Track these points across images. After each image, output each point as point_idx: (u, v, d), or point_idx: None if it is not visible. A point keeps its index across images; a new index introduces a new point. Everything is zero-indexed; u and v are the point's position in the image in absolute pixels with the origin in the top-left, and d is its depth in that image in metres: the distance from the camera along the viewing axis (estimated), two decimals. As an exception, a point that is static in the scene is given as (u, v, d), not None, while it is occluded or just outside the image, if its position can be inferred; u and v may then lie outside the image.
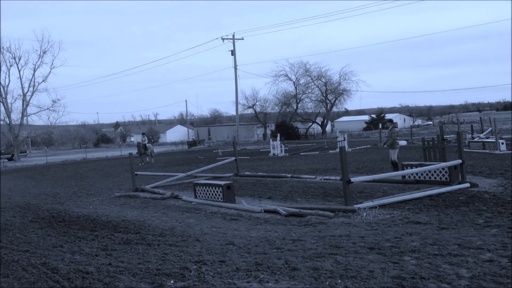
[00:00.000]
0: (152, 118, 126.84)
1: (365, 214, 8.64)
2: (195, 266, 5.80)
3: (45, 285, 5.50)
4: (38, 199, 14.86)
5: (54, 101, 50.31)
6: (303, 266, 5.50)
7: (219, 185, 11.29)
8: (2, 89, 48.80)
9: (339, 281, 4.89)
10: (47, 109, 50.36)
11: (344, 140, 29.66)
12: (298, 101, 62.82)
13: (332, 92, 62.39)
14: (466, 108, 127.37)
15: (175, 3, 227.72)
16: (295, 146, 40.37)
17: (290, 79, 62.77)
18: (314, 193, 11.80)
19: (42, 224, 9.97)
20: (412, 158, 19.03)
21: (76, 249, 7.32)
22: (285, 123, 59.74)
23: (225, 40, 58.58)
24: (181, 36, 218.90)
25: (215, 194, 11.31)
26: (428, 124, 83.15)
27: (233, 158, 18.06)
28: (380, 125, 46.83)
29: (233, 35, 58.61)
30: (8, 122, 49.46)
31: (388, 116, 74.78)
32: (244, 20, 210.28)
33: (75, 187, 17.91)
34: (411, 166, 12.39)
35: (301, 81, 62.83)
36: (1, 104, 49.07)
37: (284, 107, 63.45)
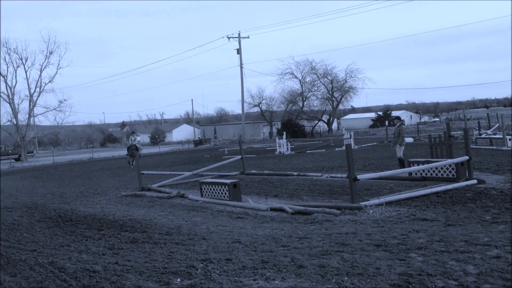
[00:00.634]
0: (158, 117, 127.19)
1: (371, 211, 8.61)
2: (201, 265, 5.81)
3: (52, 284, 5.52)
4: (45, 198, 14.94)
5: (60, 102, 50.56)
6: (309, 263, 5.49)
7: (225, 184, 11.30)
8: (9, 90, 49.09)
9: (346, 278, 4.88)
10: (54, 109, 50.59)
11: (350, 138, 29.62)
12: (304, 99, 62.75)
13: (338, 90, 62.26)
14: (473, 104, 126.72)
15: (180, 3, 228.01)
16: (301, 144, 40.32)
17: (296, 77, 62.77)
18: (321, 191, 11.78)
19: (49, 224, 10.03)
20: (418, 155, 18.96)
21: (83, 248, 7.35)
22: (291, 121, 59.70)
23: (230, 39, 58.63)
24: (186, 36, 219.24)
25: (221, 193, 11.33)
26: (434, 121, 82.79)
27: (239, 157, 18.06)
28: (387, 122, 46.62)
29: (239, 34, 58.63)
30: (15, 122, 49.74)
31: (395, 113, 74.52)
32: (250, 19, 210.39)
33: (81, 187, 17.99)
34: (418, 163, 12.34)
35: (307, 79, 62.81)
36: (8, 104, 49.37)
37: (290, 105, 63.40)
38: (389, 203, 9.22)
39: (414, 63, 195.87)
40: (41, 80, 49.90)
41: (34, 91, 50.00)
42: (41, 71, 49.76)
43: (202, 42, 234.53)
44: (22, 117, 50.44)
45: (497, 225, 6.87)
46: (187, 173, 16.74)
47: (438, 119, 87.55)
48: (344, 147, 28.27)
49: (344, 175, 13.33)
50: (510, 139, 20.28)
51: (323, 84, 62.43)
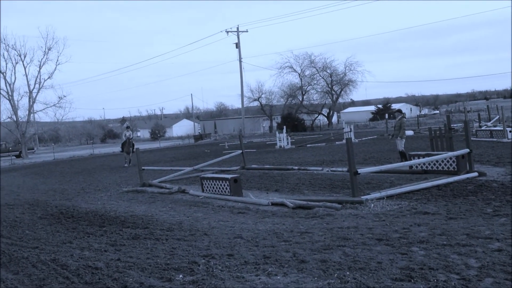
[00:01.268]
0: (158, 112, 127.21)
1: (372, 205, 8.62)
2: (203, 260, 5.82)
3: (55, 281, 5.54)
4: (47, 195, 14.95)
5: (60, 98, 50.47)
6: (311, 258, 5.50)
7: (226, 179, 11.30)
8: (8, 87, 49.03)
9: (348, 273, 4.88)
10: (54, 105, 50.52)
11: (350, 131, 29.60)
12: (303, 92, 62.71)
13: (337, 83, 62.21)
14: (473, 96, 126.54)
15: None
16: (301, 138, 40.31)
17: (295, 71, 62.69)
18: (321, 185, 11.79)
19: (51, 221, 10.04)
20: (419, 148, 18.96)
21: (85, 245, 7.37)
22: (291, 115, 59.67)
23: (229, 33, 58.48)
24: (185, 30, 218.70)
25: (222, 188, 11.33)
26: (434, 113, 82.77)
27: (240, 151, 18.06)
28: (387, 115, 46.57)
29: (237, 28, 58.48)
30: (15, 119, 49.72)
31: (394, 106, 74.42)
32: (248, 13, 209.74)
33: (83, 183, 18.01)
34: (418, 156, 12.33)
35: (306, 73, 62.74)
36: (8, 101, 49.33)
37: (289, 99, 63.35)
38: (390, 197, 9.23)
39: (413, 56, 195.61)
40: (40, 76, 49.86)
41: (34, 88, 49.97)
42: (40, 68, 49.70)
43: (201, 37, 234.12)
44: (22, 113, 50.44)
45: (499, 218, 6.88)
46: (188, 169, 16.73)
47: (438, 112, 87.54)
48: (344, 141, 28.26)
49: (345, 169, 13.32)
50: (510, 131, 20.26)
51: (323, 78, 62.40)
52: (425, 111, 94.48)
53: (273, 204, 9.69)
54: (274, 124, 65.38)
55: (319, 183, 12.18)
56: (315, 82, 62.98)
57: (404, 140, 14.67)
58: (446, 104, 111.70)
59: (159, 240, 7.27)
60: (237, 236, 7.06)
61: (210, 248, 6.42)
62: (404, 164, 12.29)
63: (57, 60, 49.59)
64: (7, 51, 48.46)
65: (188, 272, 5.42)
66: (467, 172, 10.98)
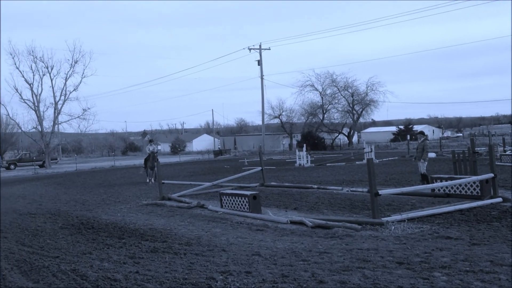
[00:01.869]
0: (179, 127, 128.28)
1: (393, 227, 8.50)
2: (221, 277, 5.80)
3: (74, 291, 5.58)
4: (68, 205, 15.14)
5: (84, 110, 51.48)
6: (330, 279, 5.44)
7: (245, 195, 11.30)
8: (35, 98, 50.17)
9: (367, 295, 4.81)
10: (78, 117, 51.54)
11: (371, 152, 29.38)
12: (324, 111, 62.60)
13: (359, 103, 61.97)
14: (497, 120, 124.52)
15: (202, 14, 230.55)
16: (321, 156, 40.14)
17: (317, 89, 62.69)
18: (341, 205, 11.69)
19: (72, 231, 10.15)
20: (441, 170, 18.69)
21: (105, 256, 7.42)
22: (311, 134, 59.56)
23: (251, 50, 58.91)
24: (208, 46, 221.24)
25: (241, 204, 11.33)
26: (457, 136, 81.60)
27: (259, 168, 18.06)
28: (408, 137, 46.10)
29: (260, 45, 58.90)
30: (40, 129, 50.73)
31: (416, 127, 73.70)
32: (271, 30, 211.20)
33: (103, 195, 18.20)
34: (441, 179, 12.16)
35: (328, 92, 62.69)
36: (34, 112, 50.42)
37: (310, 117, 63.28)
38: (411, 220, 9.09)
39: (436, 77, 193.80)
40: (66, 88, 50.99)
41: (59, 99, 51.07)
42: (66, 80, 50.87)
43: (223, 53, 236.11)
44: (47, 124, 51.52)
45: (524, 245, 6.71)
46: (207, 184, 16.79)
47: (461, 134, 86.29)
48: (364, 161, 28.04)
49: (365, 189, 13.21)
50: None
51: (344, 97, 62.25)
52: (447, 133, 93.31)
53: (292, 222, 9.63)
54: (294, 142, 65.27)
55: (338, 202, 12.08)
56: (336, 101, 62.90)
57: (426, 162, 14.49)
58: (469, 127, 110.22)
59: (177, 254, 7.28)
60: (255, 253, 7.03)
61: (228, 265, 6.40)
62: (426, 187, 12.12)
63: (83, 73, 50.73)
64: (35, 63, 49.80)
65: (206, 287, 5.41)
66: (491, 197, 10.77)
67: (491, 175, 11.03)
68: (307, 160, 30.31)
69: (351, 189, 14.60)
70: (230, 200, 11.81)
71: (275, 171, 26.13)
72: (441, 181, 11.97)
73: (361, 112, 62.79)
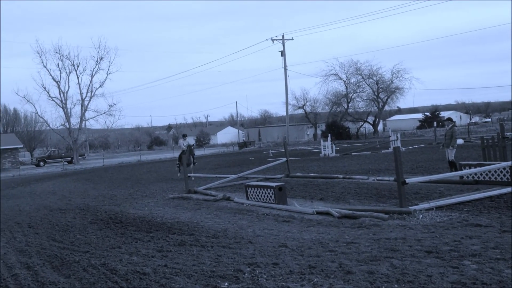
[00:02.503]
0: (203, 120, 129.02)
1: (421, 216, 8.38)
2: (248, 269, 5.83)
3: (104, 285, 5.69)
4: (97, 200, 15.42)
5: (110, 106, 52.39)
6: (357, 269, 5.40)
7: (270, 187, 11.30)
8: (62, 95, 51.16)
9: (396, 286, 4.77)
10: (104, 113, 52.44)
11: (397, 140, 29.00)
12: (349, 100, 62.06)
13: (384, 91, 61.20)
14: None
15: (224, 6, 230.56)
16: (346, 146, 39.85)
17: (341, 78, 62.17)
18: (367, 194, 11.59)
19: (101, 225, 10.34)
20: (470, 157, 18.33)
21: (133, 250, 7.53)
22: (335, 123, 59.13)
23: (274, 41, 58.67)
24: (231, 38, 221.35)
25: (267, 196, 11.34)
26: (486, 122, 79.87)
27: (284, 159, 18.03)
28: (435, 124, 45.35)
29: (283, 36, 58.60)
30: (67, 126, 51.73)
31: (443, 113, 72.44)
32: (294, 20, 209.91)
33: (130, 189, 18.46)
34: (470, 166, 11.92)
35: (352, 80, 62.11)
36: (61, 109, 51.43)
37: (334, 106, 62.86)
38: (439, 208, 8.95)
39: (463, 61, 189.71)
40: (92, 85, 51.87)
41: (86, 96, 52.00)
42: (92, 77, 51.74)
43: (246, 45, 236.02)
44: (74, 121, 52.55)
45: (557, 232, 6.53)
46: (233, 176, 16.85)
47: (489, 120, 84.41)
48: (390, 149, 27.71)
49: (391, 178, 13.05)
50: None
51: (368, 85, 61.56)
52: (475, 119, 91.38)
53: (318, 213, 9.60)
54: (319, 132, 64.95)
55: (365, 192, 11.97)
56: (361, 89, 62.29)
57: (455, 149, 14.22)
58: (498, 111, 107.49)
59: (204, 247, 7.34)
60: (282, 244, 7.03)
61: (255, 256, 6.42)
62: (454, 174, 11.90)
63: (108, 69, 51.55)
64: (62, 61, 50.74)
65: (234, 280, 5.44)
66: (522, 183, 10.51)
67: (522, 160, 10.75)
68: (332, 150, 30.12)
69: (377, 178, 14.45)
70: (256, 192, 11.83)
71: (300, 161, 26.05)
72: (469, 168, 11.74)
73: (386, 100, 62.03)
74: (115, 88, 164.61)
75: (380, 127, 69.55)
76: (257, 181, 15.45)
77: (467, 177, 11.76)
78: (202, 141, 78.69)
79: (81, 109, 52.00)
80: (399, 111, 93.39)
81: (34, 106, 69.16)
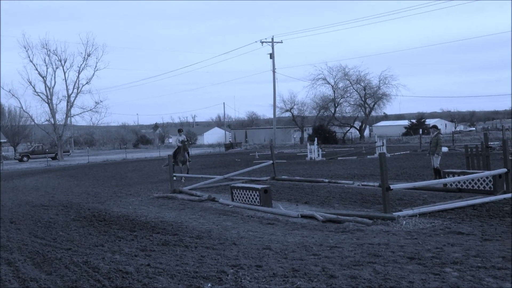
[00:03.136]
0: (190, 120, 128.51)
1: (404, 222, 8.46)
2: (232, 270, 5.82)
3: (86, 284, 5.64)
4: (80, 198, 15.28)
5: (97, 103, 51.84)
6: (340, 274, 5.43)
7: (256, 189, 11.31)
8: (48, 91, 50.57)
9: (378, 291, 4.80)
10: (90, 110, 51.90)
11: (383, 146, 29.22)
12: (336, 105, 62.29)
13: (371, 96, 61.56)
14: (511, 114, 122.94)
15: (214, 6, 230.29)
16: (332, 150, 40.03)
17: (329, 83, 62.34)
18: (352, 199, 11.66)
19: (84, 223, 10.25)
20: (454, 165, 18.54)
21: (116, 248, 7.48)
22: (322, 127, 59.31)
23: (264, 43, 58.69)
24: (220, 39, 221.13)
25: (252, 198, 11.34)
26: (470, 130, 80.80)
27: (270, 162, 18.05)
28: (421, 131, 45.75)
29: (272, 38, 58.66)
30: (53, 122, 51.17)
31: (429, 121, 73.13)
32: (284, 23, 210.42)
33: (115, 187, 18.33)
34: (453, 174, 12.07)
35: (340, 85, 62.30)
36: (47, 104, 50.85)
37: (322, 111, 63.03)
38: (423, 215, 9.04)
39: (449, 70, 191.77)
40: (78, 81, 51.30)
41: (72, 92, 51.42)
42: (79, 73, 51.18)
43: (235, 46, 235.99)
44: (60, 117, 51.95)
45: (537, 241, 6.64)
46: (218, 177, 16.83)
47: (474, 129, 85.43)
48: (376, 155, 27.90)
49: (376, 184, 13.14)
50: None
51: (356, 91, 61.85)
52: (460, 127, 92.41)
53: (303, 216, 9.63)
54: (305, 136, 65.10)
55: (349, 197, 12.04)
56: (348, 94, 62.53)
57: (440, 157, 14.37)
58: (482, 121, 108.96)
59: (188, 247, 7.32)
60: (266, 247, 7.04)
61: (238, 258, 6.42)
62: (438, 182, 12.04)
63: (96, 66, 50.99)
64: (49, 56, 50.13)
65: (217, 281, 5.43)
66: (504, 193, 10.67)
67: (505, 170, 10.92)
68: (318, 154, 30.23)
69: (362, 183, 14.55)
70: (241, 193, 11.83)
71: (286, 164, 26.11)
72: (453, 176, 11.88)
73: (373, 105, 62.40)
74: (102, 85, 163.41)
75: (366, 132, 69.93)
76: (243, 182, 15.44)
77: (451, 185, 11.90)
78: (189, 141, 78.40)
79: (67, 105, 51.42)
80: (386, 117, 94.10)
81: (19, 101, 68.60)
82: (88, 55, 50.66)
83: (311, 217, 9.43)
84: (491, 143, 26.31)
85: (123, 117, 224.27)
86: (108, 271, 6.08)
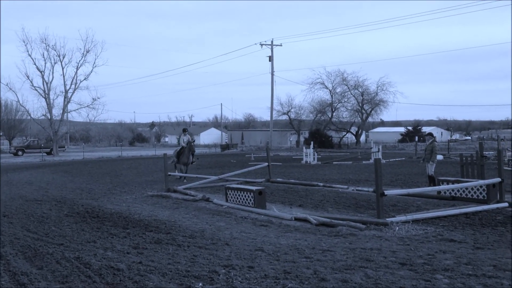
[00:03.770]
0: (187, 119, 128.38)
1: (397, 228, 8.48)
2: (223, 270, 5.82)
3: (77, 279, 5.62)
4: (74, 193, 15.24)
5: (94, 99, 51.76)
6: (332, 277, 5.44)
7: (250, 190, 11.31)
8: (45, 85, 50.44)
9: (369, 295, 4.81)
10: (87, 106, 51.78)
11: (378, 151, 29.29)
12: (333, 109, 62.41)
13: (368, 102, 61.74)
14: (507, 124, 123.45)
15: (215, 8, 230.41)
16: (328, 154, 40.08)
17: (327, 87, 62.47)
18: (346, 204, 11.68)
19: (77, 219, 10.22)
20: (448, 173, 18.60)
21: (109, 245, 7.47)
22: (319, 131, 59.43)
23: (263, 46, 58.83)
24: (219, 40, 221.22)
25: (246, 199, 11.34)
26: (466, 139, 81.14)
27: (266, 164, 18.06)
28: (417, 138, 45.90)
29: (272, 41, 58.83)
30: (49, 117, 51.02)
31: (425, 129, 73.35)
32: (283, 27, 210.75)
33: (109, 184, 18.29)
34: (448, 182, 12.10)
35: (338, 90, 62.47)
36: (44, 99, 50.72)
37: (319, 115, 63.15)
38: (416, 221, 9.06)
39: (447, 79, 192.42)
40: (76, 77, 51.20)
41: (69, 88, 51.32)
42: (77, 69, 51.09)
43: (235, 48, 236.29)
44: (56, 112, 51.81)
45: (528, 251, 6.67)
46: (213, 177, 16.82)
47: (469, 138, 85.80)
48: (371, 161, 27.96)
49: (371, 189, 13.17)
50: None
51: (354, 96, 62.03)
52: (456, 136, 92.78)
53: (296, 219, 9.64)
54: (302, 139, 65.19)
55: (343, 201, 12.06)
56: (346, 99, 62.69)
57: (435, 164, 14.42)
58: (478, 130, 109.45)
59: (181, 246, 7.31)
60: (259, 248, 7.04)
61: (231, 259, 6.42)
62: (432, 189, 12.08)
63: (94, 63, 50.92)
64: (47, 51, 50.03)
65: (208, 281, 5.43)
66: (498, 202, 10.71)
67: (499, 179, 10.96)
68: (314, 158, 30.27)
69: (357, 188, 14.57)
70: (236, 194, 11.83)
71: (282, 167, 26.12)
72: (447, 184, 11.92)
73: (370, 111, 62.58)
74: (100, 82, 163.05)
75: (362, 138, 70.10)
76: (238, 184, 15.43)
77: (445, 192, 11.94)
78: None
79: (64, 100, 51.31)
80: (382, 123, 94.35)
81: (16, 95, 68.21)
82: (87, 51, 50.65)
83: (305, 220, 9.44)
84: (486, 152, 26.43)
85: (120, 115, 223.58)
86: (100, 267, 6.06)
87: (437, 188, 12.00)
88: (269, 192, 13.57)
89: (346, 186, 15.01)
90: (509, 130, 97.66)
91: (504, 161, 21.19)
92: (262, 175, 18.84)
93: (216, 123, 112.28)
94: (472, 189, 11.27)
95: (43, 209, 11.72)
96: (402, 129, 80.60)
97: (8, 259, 6.69)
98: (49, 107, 50.74)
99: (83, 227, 9.18)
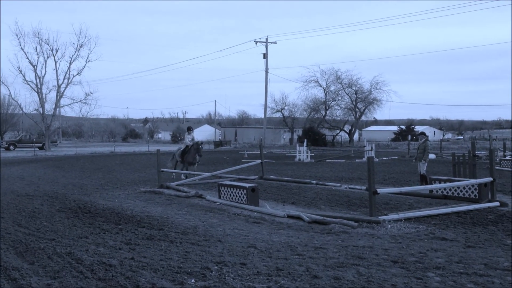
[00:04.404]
0: (181, 116, 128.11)
1: (389, 226, 8.52)
2: (216, 267, 5.82)
3: (69, 275, 5.60)
4: (66, 189, 15.17)
5: (87, 94, 51.40)
6: (324, 274, 5.45)
7: (243, 187, 11.31)
8: (38, 80, 50.07)
9: (360, 292, 4.82)
10: (80, 101, 51.47)
11: (371, 150, 29.36)
12: (327, 107, 62.47)
13: (362, 101, 61.84)
14: (499, 124, 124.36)
15: (210, 4, 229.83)
16: (321, 152, 40.14)
17: (321, 85, 62.48)
18: (339, 202, 11.71)
19: (69, 214, 10.18)
20: (440, 172, 18.68)
21: (101, 241, 7.44)
22: (312, 129, 59.45)
23: (258, 43, 58.67)
24: (214, 37, 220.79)
25: (239, 196, 11.34)
26: (458, 139, 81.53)
27: (259, 161, 18.06)
28: (410, 137, 46.04)
29: (266, 39, 58.68)
30: (41, 112, 50.68)
31: (418, 128, 73.62)
32: (278, 25, 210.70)
33: (102, 180, 18.22)
34: (440, 181, 12.16)
35: (332, 88, 62.47)
36: (36, 94, 50.35)
37: (312, 113, 63.19)
38: (408, 219, 9.11)
39: (440, 79, 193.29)
40: (69, 72, 50.82)
41: (62, 83, 50.95)
42: (70, 63, 50.68)
43: (229, 45, 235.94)
44: (49, 107, 51.43)
45: (519, 250, 6.72)
46: (206, 174, 16.81)
47: (462, 137, 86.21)
48: (364, 159, 28.03)
49: (363, 187, 13.22)
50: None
51: (347, 94, 62.08)
52: (448, 135, 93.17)
53: (289, 216, 9.65)
54: (295, 137, 65.23)
55: (336, 199, 12.09)
56: (340, 98, 62.74)
57: (426, 163, 14.49)
58: (470, 130, 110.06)
59: (173, 242, 7.30)
60: (251, 245, 7.04)
61: (223, 255, 6.42)
62: (424, 188, 12.14)
63: (88, 58, 50.55)
64: (40, 45, 49.60)
65: (200, 277, 5.43)
66: (489, 201, 10.78)
67: (490, 179, 11.03)
68: (307, 156, 30.30)
69: (350, 186, 14.62)
70: (228, 191, 11.82)
71: (275, 164, 26.14)
72: (439, 183, 11.98)
73: (364, 110, 62.69)
74: (93, 77, 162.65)
75: (355, 136, 70.23)
76: (231, 180, 15.44)
77: (437, 191, 12.00)
78: (178, 137, 78.14)
79: (57, 95, 50.95)
80: (376, 122, 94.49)
81: (8, 89, 67.43)
82: (81, 46, 50.25)
83: (297, 218, 9.46)
84: (478, 152, 26.57)
85: (113, 110, 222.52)
86: (91, 263, 6.04)
87: (429, 186, 12.05)
88: (262, 189, 13.58)
89: (339, 184, 15.05)
90: (501, 130, 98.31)
91: (496, 161, 21.33)
92: (255, 172, 18.84)
93: (210, 120, 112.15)
94: (464, 188, 11.34)
95: (35, 204, 11.65)
96: (395, 128, 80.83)
97: (-1, 254, 6.65)
98: (42, 101, 50.37)
99: (75, 223, 9.14)
